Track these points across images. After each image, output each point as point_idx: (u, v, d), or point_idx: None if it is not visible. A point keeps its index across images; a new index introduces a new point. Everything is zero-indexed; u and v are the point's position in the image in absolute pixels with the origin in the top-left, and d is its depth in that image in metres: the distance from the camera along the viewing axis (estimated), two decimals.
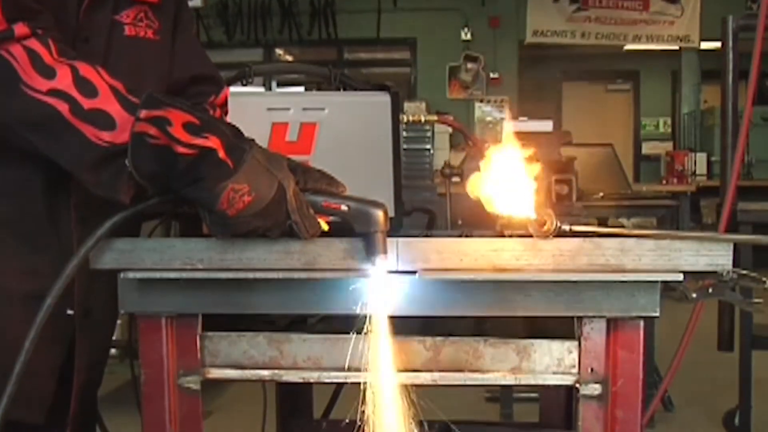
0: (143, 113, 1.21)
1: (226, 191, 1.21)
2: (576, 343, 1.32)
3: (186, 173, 1.22)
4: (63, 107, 1.23)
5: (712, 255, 1.23)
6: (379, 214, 1.25)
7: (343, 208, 1.26)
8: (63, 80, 1.24)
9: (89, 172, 1.26)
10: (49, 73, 1.24)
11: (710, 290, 1.30)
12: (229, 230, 1.26)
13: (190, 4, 1.88)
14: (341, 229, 1.30)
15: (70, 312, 1.47)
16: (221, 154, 1.22)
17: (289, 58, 12.16)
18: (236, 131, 1.26)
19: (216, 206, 1.22)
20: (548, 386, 1.39)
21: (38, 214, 1.43)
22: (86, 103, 1.23)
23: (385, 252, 1.25)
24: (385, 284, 1.28)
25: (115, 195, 1.26)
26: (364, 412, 1.29)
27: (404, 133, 2.18)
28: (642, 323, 1.29)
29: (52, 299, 1.22)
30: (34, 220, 1.43)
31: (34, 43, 1.25)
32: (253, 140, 1.27)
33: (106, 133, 1.23)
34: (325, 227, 1.28)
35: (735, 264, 1.26)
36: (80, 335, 1.49)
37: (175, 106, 1.23)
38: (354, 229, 1.27)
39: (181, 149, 1.21)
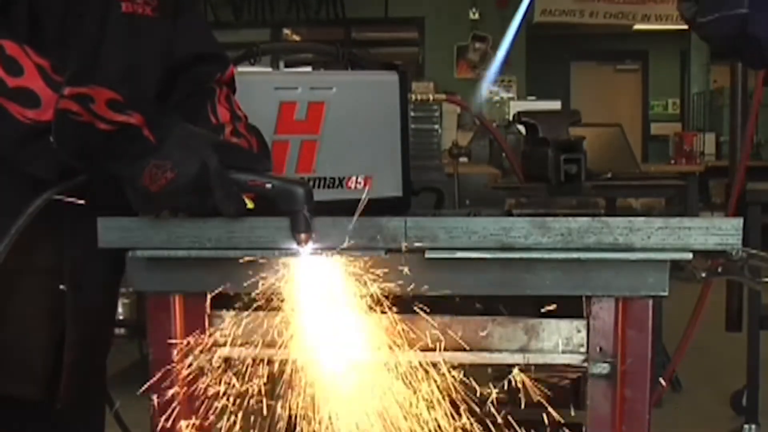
0: (67, 90, 1.23)
1: (148, 167, 1.22)
2: (585, 322, 1.32)
3: (107, 149, 1.23)
4: None
5: (721, 234, 1.22)
6: (303, 192, 1.25)
7: (267, 186, 1.26)
8: None
9: (14, 149, 1.27)
10: None
11: (719, 269, 1.30)
12: (152, 207, 1.27)
13: None
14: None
15: (63, 287, 1.47)
16: (144, 131, 1.23)
17: (297, 38, 12.11)
18: (162, 109, 1.26)
19: (139, 182, 1.23)
20: (557, 365, 1.38)
21: (25, 191, 1.42)
22: (11, 81, 1.24)
23: (308, 230, 1.25)
24: (309, 263, 1.27)
25: (41, 172, 1.27)
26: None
27: (412, 113, 2.17)
28: (651, 302, 1.28)
29: None
30: (21, 197, 1.42)
31: None
32: (179, 117, 1.27)
33: (30, 110, 1.23)
34: (251, 205, 1.28)
35: (744, 243, 1.25)
36: (71, 310, 1.49)
37: (100, 84, 1.24)
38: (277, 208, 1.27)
39: (102, 126, 1.23)
